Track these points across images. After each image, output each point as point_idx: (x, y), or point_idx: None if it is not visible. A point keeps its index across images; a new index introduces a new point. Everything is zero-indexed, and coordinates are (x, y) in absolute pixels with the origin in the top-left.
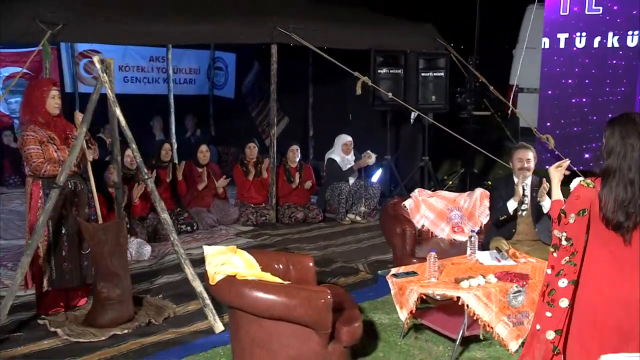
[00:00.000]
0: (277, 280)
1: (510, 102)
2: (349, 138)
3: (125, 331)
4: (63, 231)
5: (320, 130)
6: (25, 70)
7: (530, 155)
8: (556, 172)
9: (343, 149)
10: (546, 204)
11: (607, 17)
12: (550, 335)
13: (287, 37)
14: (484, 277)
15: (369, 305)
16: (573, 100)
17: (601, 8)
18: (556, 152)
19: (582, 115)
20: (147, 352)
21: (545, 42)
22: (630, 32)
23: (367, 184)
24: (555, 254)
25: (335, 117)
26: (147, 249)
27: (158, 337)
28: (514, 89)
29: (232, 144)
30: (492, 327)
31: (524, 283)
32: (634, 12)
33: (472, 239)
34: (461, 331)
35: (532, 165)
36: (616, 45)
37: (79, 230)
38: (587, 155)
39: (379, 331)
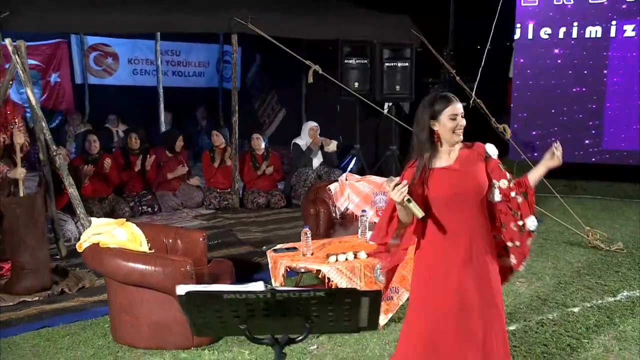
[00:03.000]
0: (141, 249)
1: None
2: (314, 124)
3: (36, 298)
4: None
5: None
6: (36, 62)
7: None
8: None
9: (310, 134)
10: None
11: (581, 8)
12: None
13: (246, 27)
14: (355, 253)
15: None
16: (556, 92)
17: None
18: (511, 143)
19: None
20: (42, 317)
21: (518, 32)
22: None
23: (333, 171)
24: None
25: (327, 107)
26: None
27: (62, 305)
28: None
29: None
30: None
31: None
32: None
33: (363, 219)
34: None
35: None
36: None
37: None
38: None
39: None
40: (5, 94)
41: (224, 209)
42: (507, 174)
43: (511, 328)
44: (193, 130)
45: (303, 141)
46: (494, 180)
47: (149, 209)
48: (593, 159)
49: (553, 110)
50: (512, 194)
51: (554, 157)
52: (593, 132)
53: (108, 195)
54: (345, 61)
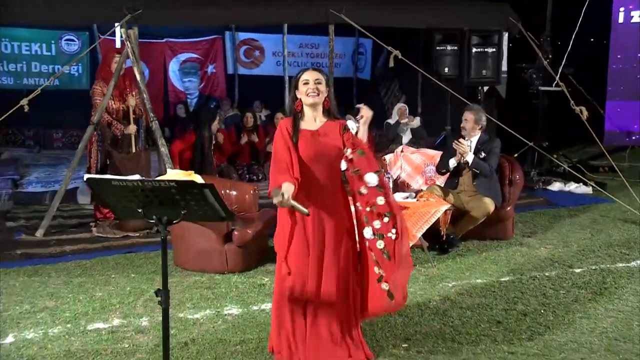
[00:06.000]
0: None
1: None
2: (402, 104)
3: (137, 234)
4: (108, 162)
5: (428, 107)
6: (196, 56)
7: (469, 116)
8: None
9: (398, 113)
10: (469, 158)
11: None
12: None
13: (341, 18)
14: None
15: None
16: None
17: None
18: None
19: None
20: (133, 246)
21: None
22: None
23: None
24: None
25: (440, 94)
26: None
27: (152, 239)
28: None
29: None
30: None
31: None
32: None
33: (388, 181)
34: None
35: (468, 125)
36: None
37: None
38: None
39: None
40: (120, 71)
41: None
42: (355, 146)
43: (504, 279)
44: None
45: (392, 120)
46: (344, 149)
47: (254, 177)
48: None
49: None
50: (348, 153)
51: (364, 113)
52: None
53: (221, 164)
54: (437, 48)
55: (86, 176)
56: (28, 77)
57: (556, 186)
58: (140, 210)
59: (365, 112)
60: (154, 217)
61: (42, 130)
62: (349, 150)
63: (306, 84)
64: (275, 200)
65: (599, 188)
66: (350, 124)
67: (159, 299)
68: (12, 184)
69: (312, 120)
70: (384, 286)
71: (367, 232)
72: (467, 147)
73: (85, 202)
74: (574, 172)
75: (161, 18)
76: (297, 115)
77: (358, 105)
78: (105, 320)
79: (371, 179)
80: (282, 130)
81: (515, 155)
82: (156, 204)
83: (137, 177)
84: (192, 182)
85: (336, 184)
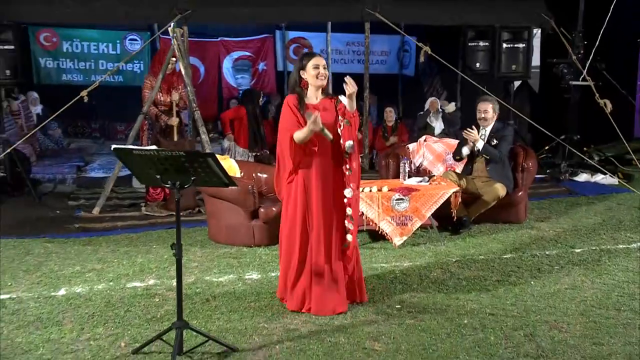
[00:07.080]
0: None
1: None
2: (434, 98)
3: (181, 213)
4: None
5: (467, 102)
6: (248, 54)
7: (489, 107)
8: None
9: (429, 106)
10: (479, 145)
11: None
12: None
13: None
14: (380, 187)
15: None
16: None
17: None
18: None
19: None
20: (172, 222)
21: None
22: None
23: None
24: None
25: (479, 89)
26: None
27: (194, 218)
28: None
29: (410, 116)
30: (376, 223)
31: (405, 194)
32: None
33: (405, 166)
34: None
35: (489, 116)
36: None
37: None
38: None
39: None
40: (166, 67)
41: None
42: (345, 115)
43: (505, 256)
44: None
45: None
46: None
47: None
48: None
49: None
50: (340, 120)
51: (348, 87)
52: None
53: (262, 151)
54: (470, 44)
55: (113, 146)
56: (96, 74)
57: (583, 177)
58: (158, 177)
59: (349, 88)
60: (169, 182)
61: (107, 123)
62: (340, 118)
63: (316, 68)
64: (309, 121)
65: (621, 179)
66: (342, 98)
67: (174, 251)
68: (77, 169)
69: (314, 97)
70: (348, 237)
71: (348, 192)
72: (477, 135)
73: (139, 185)
74: (603, 164)
75: (209, 17)
76: (302, 92)
77: (345, 78)
78: (142, 280)
79: (348, 145)
80: (289, 105)
81: (547, 147)
82: (171, 171)
83: (154, 147)
84: (197, 152)
85: (335, 148)
